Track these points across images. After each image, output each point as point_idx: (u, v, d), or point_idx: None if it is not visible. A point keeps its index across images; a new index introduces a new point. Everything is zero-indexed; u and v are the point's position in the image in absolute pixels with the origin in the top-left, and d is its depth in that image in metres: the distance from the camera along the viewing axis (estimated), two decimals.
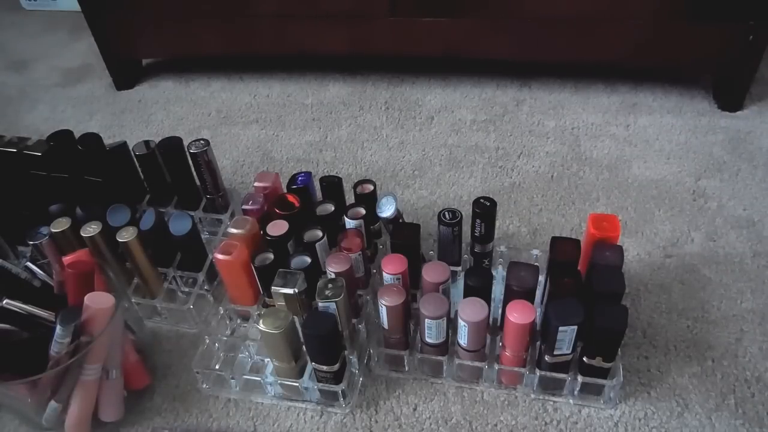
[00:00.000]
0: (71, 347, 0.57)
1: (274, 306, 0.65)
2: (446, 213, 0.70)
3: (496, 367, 0.64)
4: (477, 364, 0.64)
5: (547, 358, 0.61)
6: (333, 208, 0.73)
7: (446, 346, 0.65)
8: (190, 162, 0.82)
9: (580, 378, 0.62)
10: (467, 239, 0.73)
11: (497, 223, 0.74)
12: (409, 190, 0.92)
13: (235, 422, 0.66)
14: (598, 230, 0.65)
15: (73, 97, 1.21)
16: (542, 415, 0.64)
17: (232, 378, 0.67)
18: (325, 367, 0.62)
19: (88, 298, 0.58)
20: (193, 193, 0.85)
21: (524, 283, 0.61)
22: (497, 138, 1.00)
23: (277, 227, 0.69)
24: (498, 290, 0.70)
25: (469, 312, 0.59)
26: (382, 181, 0.94)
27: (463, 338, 0.62)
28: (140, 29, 1.12)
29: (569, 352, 0.60)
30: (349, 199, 0.77)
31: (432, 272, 0.63)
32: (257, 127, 1.08)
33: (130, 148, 0.82)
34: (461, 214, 0.70)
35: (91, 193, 0.81)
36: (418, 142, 1.01)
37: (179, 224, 0.72)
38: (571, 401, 0.65)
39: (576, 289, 0.61)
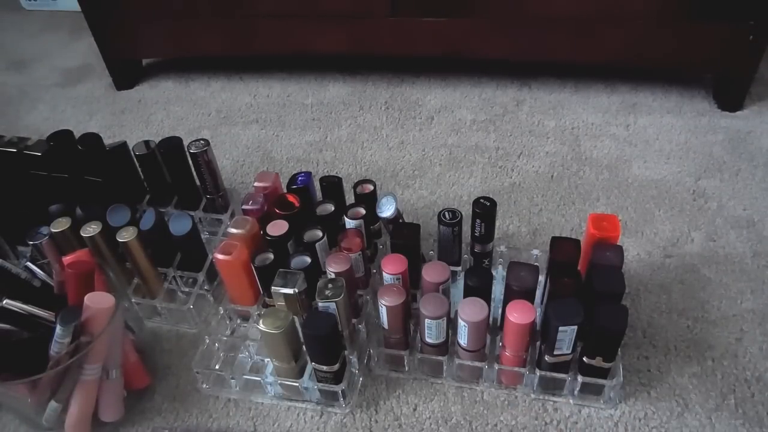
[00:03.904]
0: (71, 347, 0.57)
1: (274, 306, 0.65)
2: (446, 213, 0.70)
3: (496, 367, 0.64)
4: (477, 364, 0.64)
5: (547, 358, 0.61)
6: (333, 208, 0.73)
7: (446, 346, 0.65)
8: (190, 162, 0.82)
9: (580, 378, 0.62)
10: (467, 239, 0.73)
11: (497, 223, 0.74)
12: (409, 190, 0.92)
13: (235, 422, 0.66)
14: (598, 230, 0.65)
15: (73, 97, 1.21)
16: (542, 415, 0.64)
17: (232, 378, 0.67)
18: (325, 367, 0.62)
19: (88, 298, 0.58)
20: (193, 193, 0.85)
21: (524, 283, 0.61)
22: (497, 138, 1.00)
23: (277, 227, 0.69)
24: (498, 290, 0.70)
25: (469, 312, 0.59)
26: (382, 181, 0.94)
27: (463, 338, 0.62)
28: (140, 29, 1.12)
29: (569, 352, 0.60)
30: (349, 199, 0.77)
31: (432, 272, 0.63)
32: (257, 127, 1.08)
33: (130, 148, 0.82)
34: (461, 214, 0.70)
35: (91, 193, 0.81)
36: (418, 142, 1.01)
37: (179, 224, 0.72)
38: (571, 401, 0.65)
39: (576, 289, 0.61)
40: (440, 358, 0.65)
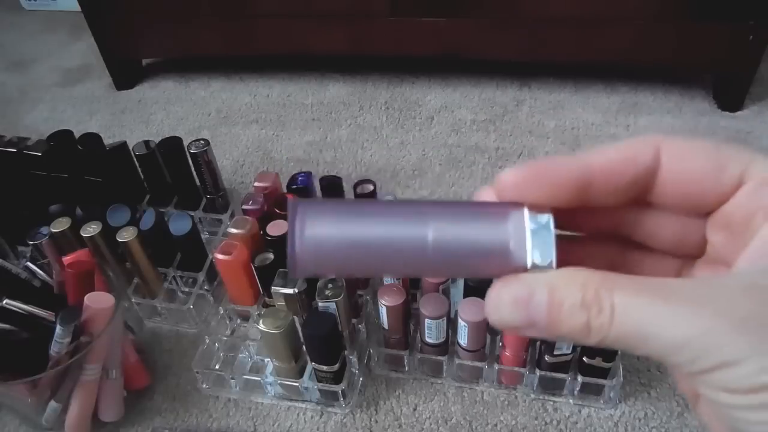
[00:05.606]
0: (71, 347, 0.57)
1: (274, 306, 0.65)
2: None
3: (496, 367, 0.64)
4: (477, 364, 0.64)
5: (547, 358, 0.61)
6: None
7: (446, 346, 0.65)
8: (190, 162, 0.82)
9: (580, 378, 0.62)
10: None
11: None
12: (409, 190, 0.92)
13: (235, 422, 0.66)
14: None
15: (73, 97, 1.21)
16: (542, 415, 0.64)
17: (232, 378, 0.67)
18: (325, 367, 0.62)
19: (88, 298, 0.58)
20: (193, 193, 0.85)
21: None
22: (497, 138, 1.00)
23: (277, 227, 0.69)
24: None
25: (469, 312, 0.59)
26: (382, 181, 0.94)
27: (463, 338, 0.62)
28: (140, 29, 1.12)
29: (569, 351, 0.60)
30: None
31: None
32: (257, 127, 1.08)
33: (130, 148, 0.82)
34: None
35: (91, 193, 0.81)
36: (418, 142, 1.01)
37: (179, 224, 0.72)
38: (571, 401, 0.65)
39: None
40: (440, 358, 0.65)
